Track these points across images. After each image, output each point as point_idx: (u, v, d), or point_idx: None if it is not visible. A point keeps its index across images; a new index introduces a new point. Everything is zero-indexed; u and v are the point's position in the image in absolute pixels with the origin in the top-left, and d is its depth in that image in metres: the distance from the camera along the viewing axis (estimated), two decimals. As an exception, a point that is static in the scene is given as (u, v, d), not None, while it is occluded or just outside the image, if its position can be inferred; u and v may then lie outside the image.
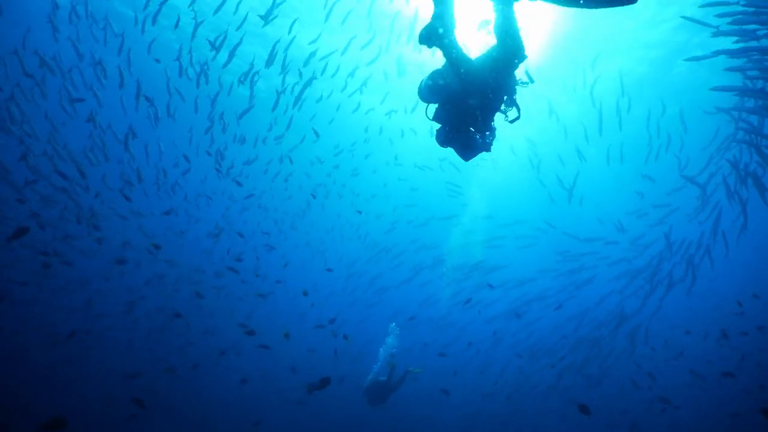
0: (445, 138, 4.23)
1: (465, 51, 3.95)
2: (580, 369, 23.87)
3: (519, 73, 4.16)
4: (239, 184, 14.17)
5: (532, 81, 4.26)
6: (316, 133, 15.28)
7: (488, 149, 4.29)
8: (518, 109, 4.23)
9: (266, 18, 11.77)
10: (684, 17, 10.11)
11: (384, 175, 21.60)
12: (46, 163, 14.78)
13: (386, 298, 29.08)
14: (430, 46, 3.85)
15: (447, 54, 3.88)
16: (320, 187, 22.32)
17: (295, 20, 12.94)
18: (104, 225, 16.84)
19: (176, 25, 12.08)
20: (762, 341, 21.61)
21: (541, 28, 12.96)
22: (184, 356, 23.72)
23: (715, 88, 9.17)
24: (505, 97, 4.16)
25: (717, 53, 9.32)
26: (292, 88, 15.10)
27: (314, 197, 18.87)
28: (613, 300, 22.80)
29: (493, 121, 4.18)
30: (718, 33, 9.49)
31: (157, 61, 14.08)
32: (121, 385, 18.81)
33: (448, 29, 3.80)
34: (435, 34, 3.78)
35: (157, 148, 16.22)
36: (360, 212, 21.47)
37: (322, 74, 14.58)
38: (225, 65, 14.55)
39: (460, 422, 26.89)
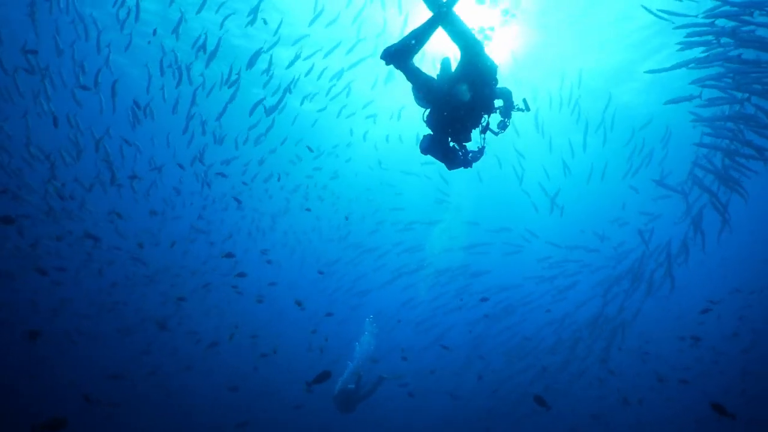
0: (426, 146, 4.41)
1: (423, 70, 4.26)
2: (558, 372, 24.73)
3: (516, 99, 4.45)
4: (238, 201, 14.54)
5: (528, 109, 4.46)
6: (309, 149, 15.73)
7: (468, 166, 4.49)
8: (504, 127, 4.42)
9: (255, 12, 12.12)
10: (644, 7, 10.45)
11: (367, 179, 22.08)
12: (23, 164, 14.84)
13: (368, 299, 29.52)
14: (388, 64, 4.14)
15: (409, 77, 4.20)
16: (300, 187, 22.65)
17: (281, 21, 13.32)
18: (81, 226, 16.88)
19: (154, 33, 12.29)
20: (731, 347, 22.77)
21: (530, 42, 13.78)
22: (170, 357, 23.81)
23: (668, 102, 9.95)
24: (489, 114, 4.34)
25: (678, 66, 10.10)
26: (275, 90, 15.37)
27: (309, 210, 19.20)
28: (593, 305, 23.71)
29: (469, 137, 4.40)
30: (684, 47, 10.28)
31: (151, 41, 14.05)
32: (103, 386, 18.85)
33: (413, 53, 4.09)
34: (402, 56, 4.08)
35: (137, 149, 16.33)
36: (347, 218, 21.89)
37: (306, 75, 14.92)
38: (207, 64, 14.76)
39: (441, 423, 27.53)
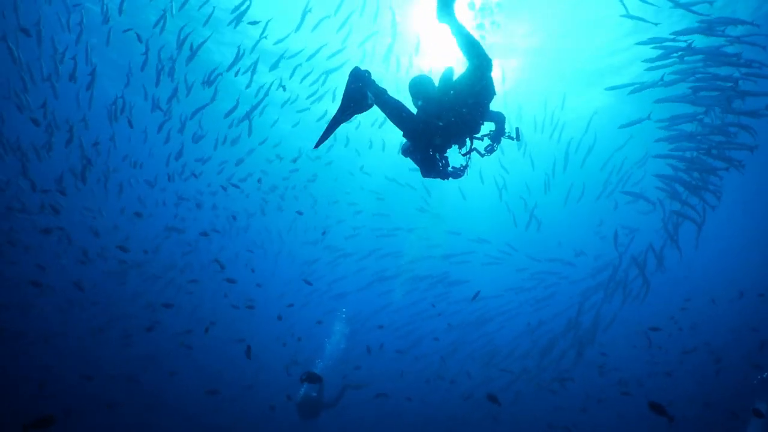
0: (407, 149, 4.59)
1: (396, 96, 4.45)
2: (528, 380, 25.70)
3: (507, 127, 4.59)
4: (233, 218, 14.89)
5: (518, 139, 4.50)
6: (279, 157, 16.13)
7: (444, 178, 4.59)
8: (492, 151, 4.54)
9: (241, 14, 12.61)
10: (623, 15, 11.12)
11: (346, 183, 22.63)
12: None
13: (345, 303, 29.98)
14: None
15: (382, 110, 4.41)
16: (278, 188, 23.03)
17: (269, 21, 13.77)
18: (54, 221, 17.02)
19: (140, 40, 12.65)
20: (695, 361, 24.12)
21: (517, 61, 14.75)
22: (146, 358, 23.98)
23: (622, 126, 10.83)
24: (473, 137, 4.45)
25: (643, 87, 11.02)
26: (257, 92, 15.81)
27: (300, 213, 19.61)
28: (567, 315, 24.75)
29: (446, 150, 4.48)
30: (652, 67, 11.21)
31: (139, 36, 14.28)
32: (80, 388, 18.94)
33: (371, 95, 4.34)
34: (366, 100, 4.28)
35: (116, 146, 16.60)
36: (324, 233, 22.36)
37: (290, 77, 15.40)
38: (188, 61, 15.08)
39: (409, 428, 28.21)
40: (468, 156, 4.50)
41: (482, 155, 4.53)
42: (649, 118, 11.21)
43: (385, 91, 4.46)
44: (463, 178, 4.70)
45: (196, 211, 24.47)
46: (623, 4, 10.81)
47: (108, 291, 23.00)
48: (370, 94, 4.31)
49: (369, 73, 4.40)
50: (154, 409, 23.29)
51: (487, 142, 4.56)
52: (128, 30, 13.75)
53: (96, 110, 15.92)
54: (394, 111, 4.42)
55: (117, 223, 21.72)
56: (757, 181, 17.46)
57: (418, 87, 4.49)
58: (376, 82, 4.44)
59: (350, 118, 4.40)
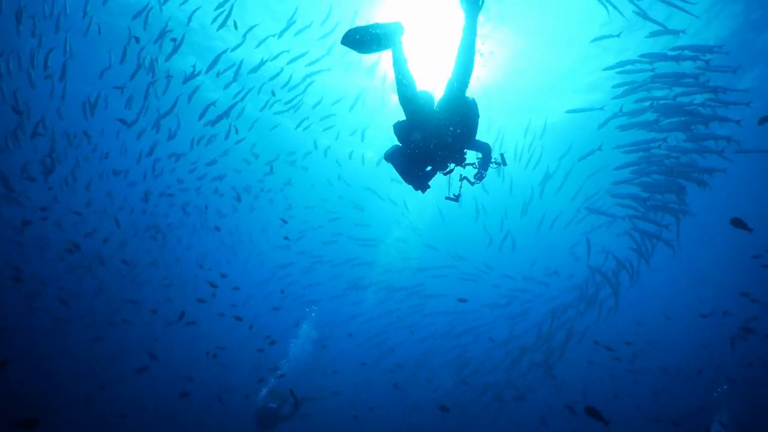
0: (390, 153, 4.74)
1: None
2: (499, 392, 26.53)
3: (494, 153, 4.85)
4: (218, 229, 15.19)
5: (505, 164, 4.71)
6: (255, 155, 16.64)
7: (423, 191, 4.81)
8: (481, 178, 4.78)
9: (228, 15, 13.10)
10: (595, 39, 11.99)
11: (323, 191, 23.12)
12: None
13: (317, 309, 30.35)
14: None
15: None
16: (253, 189, 23.36)
17: (253, 26, 14.26)
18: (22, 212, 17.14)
19: (137, 41, 12.90)
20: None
21: (497, 78, 15.41)
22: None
23: (580, 159, 11.69)
24: (459, 162, 4.63)
25: (607, 120, 11.92)
26: (235, 94, 16.27)
27: (285, 222, 20.04)
28: (540, 330, 25.70)
29: (427, 166, 4.63)
30: (620, 95, 12.17)
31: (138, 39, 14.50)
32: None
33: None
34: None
35: (87, 138, 16.82)
36: (286, 238, 22.77)
37: (270, 80, 15.88)
38: (169, 57, 15.40)
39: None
40: (460, 183, 4.72)
41: (472, 183, 4.77)
42: (600, 149, 12.07)
43: (407, 62, 4.46)
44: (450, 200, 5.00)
45: (168, 208, 24.61)
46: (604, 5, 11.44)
47: (73, 285, 23.01)
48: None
49: (401, 30, 4.43)
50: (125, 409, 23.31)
51: (472, 170, 4.79)
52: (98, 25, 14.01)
53: (70, 102, 16.15)
54: (406, 91, 4.43)
55: (85, 217, 21.77)
56: (721, 201, 18.48)
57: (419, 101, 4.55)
58: (401, 47, 4.46)
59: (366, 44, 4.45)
